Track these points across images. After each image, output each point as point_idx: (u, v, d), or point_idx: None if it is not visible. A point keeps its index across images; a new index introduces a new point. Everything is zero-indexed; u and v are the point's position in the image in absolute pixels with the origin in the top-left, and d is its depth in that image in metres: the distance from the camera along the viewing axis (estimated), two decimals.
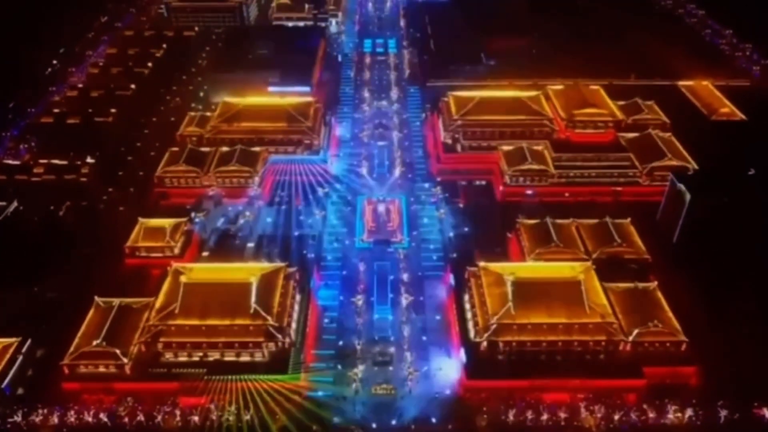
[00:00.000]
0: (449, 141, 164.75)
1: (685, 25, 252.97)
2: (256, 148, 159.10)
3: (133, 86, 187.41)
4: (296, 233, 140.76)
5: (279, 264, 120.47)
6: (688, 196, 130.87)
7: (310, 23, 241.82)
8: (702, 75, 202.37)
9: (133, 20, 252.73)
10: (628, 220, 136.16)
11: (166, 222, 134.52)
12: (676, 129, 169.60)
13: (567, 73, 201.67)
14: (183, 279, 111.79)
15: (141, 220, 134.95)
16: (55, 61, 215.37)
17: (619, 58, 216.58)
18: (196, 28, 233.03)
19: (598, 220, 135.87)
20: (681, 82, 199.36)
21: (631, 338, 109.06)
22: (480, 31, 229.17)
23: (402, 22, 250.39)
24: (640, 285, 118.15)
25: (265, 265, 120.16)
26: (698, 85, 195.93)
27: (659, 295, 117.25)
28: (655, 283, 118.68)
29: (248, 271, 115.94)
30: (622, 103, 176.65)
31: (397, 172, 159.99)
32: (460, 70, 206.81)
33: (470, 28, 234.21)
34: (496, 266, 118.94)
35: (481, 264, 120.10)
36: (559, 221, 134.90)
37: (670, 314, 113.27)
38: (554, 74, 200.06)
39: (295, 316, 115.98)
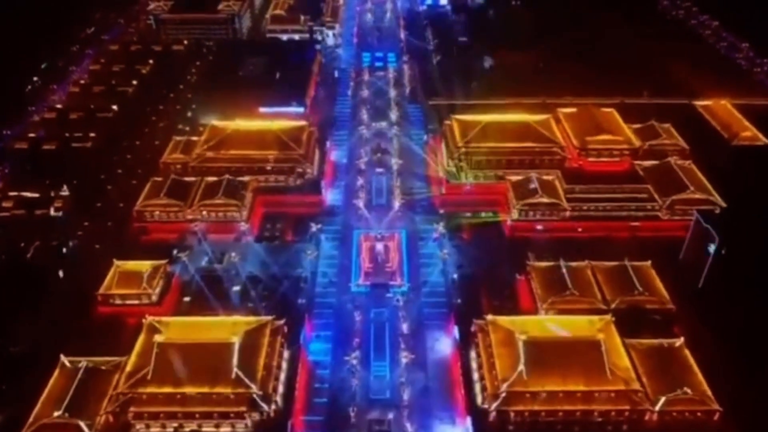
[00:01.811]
0: (453, 169, 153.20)
1: (698, 38, 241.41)
2: (245, 178, 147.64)
3: (115, 107, 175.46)
4: (286, 275, 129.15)
5: (265, 318, 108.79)
6: (716, 239, 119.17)
7: (305, 35, 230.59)
8: (719, 92, 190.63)
9: (120, 32, 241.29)
10: (649, 263, 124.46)
11: (144, 265, 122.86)
12: (695, 155, 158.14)
13: (575, 89, 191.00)
14: (157, 338, 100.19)
15: (116, 262, 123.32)
16: (36, 78, 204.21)
17: (630, 73, 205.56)
18: (186, 42, 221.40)
19: (616, 262, 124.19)
20: (697, 102, 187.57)
21: (657, 407, 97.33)
22: (484, 44, 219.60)
23: (402, 34, 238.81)
24: (666, 342, 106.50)
25: (249, 319, 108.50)
26: (716, 105, 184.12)
27: (686, 353, 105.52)
28: (682, 339, 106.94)
29: (230, 327, 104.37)
30: (636, 126, 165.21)
31: (396, 204, 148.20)
32: (464, 86, 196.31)
33: (474, 41, 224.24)
34: (505, 320, 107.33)
35: (489, 317, 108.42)
36: (573, 264, 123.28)
37: (700, 377, 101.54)
38: (562, 91, 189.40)
39: (282, 377, 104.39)
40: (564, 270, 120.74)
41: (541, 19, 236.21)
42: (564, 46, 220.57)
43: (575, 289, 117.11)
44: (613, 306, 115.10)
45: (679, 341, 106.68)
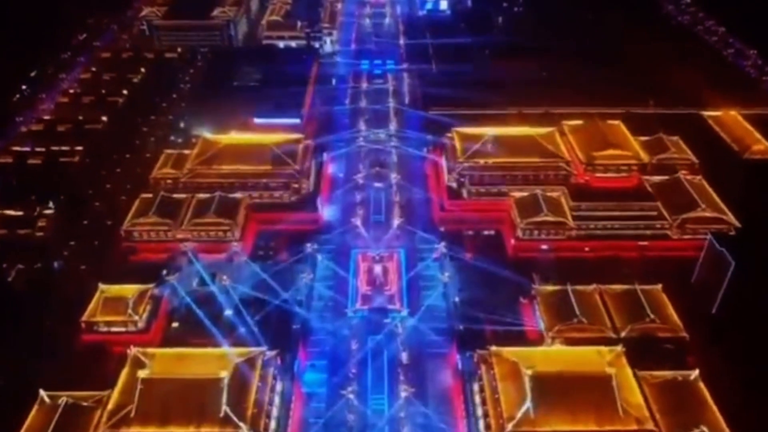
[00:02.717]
0: (454, 185, 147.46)
1: (704, 44, 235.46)
2: (238, 194, 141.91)
3: (104, 118, 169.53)
4: (280, 299, 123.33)
5: (256, 349, 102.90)
6: (731, 263, 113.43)
7: (302, 42, 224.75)
8: (728, 102, 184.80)
9: (113, 38, 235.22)
10: (660, 286, 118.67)
11: (130, 290, 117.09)
12: (705, 170, 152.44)
13: (580, 98, 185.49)
14: (141, 374, 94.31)
15: (101, 287, 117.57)
16: (25, 86, 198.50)
17: (635, 81, 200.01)
18: (179, 49, 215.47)
19: (626, 286, 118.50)
20: (706, 112, 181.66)
21: None
22: (485, 50, 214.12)
23: (402, 41, 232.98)
24: (680, 375, 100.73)
25: (240, 351, 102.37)
26: (726, 116, 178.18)
27: (702, 386, 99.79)
28: (697, 371, 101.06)
29: (220, 360, 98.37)
30: (644, 139, 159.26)
31: (395, 222, 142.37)
32: (464, 95, 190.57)
33: (474, 47, 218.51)
34: (510, 352, 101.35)
35: (493, 349, 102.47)
36: (580, 288, 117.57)
37: (717, 414, 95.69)
38: (566, 100, 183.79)
39: (275, 412, 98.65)
40: (571, 295, 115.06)
41: (544, 26, 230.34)
42: (567, 53, 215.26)
43: (583, 315, 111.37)
44: (623, 334, 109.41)
45: (694, 373, 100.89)
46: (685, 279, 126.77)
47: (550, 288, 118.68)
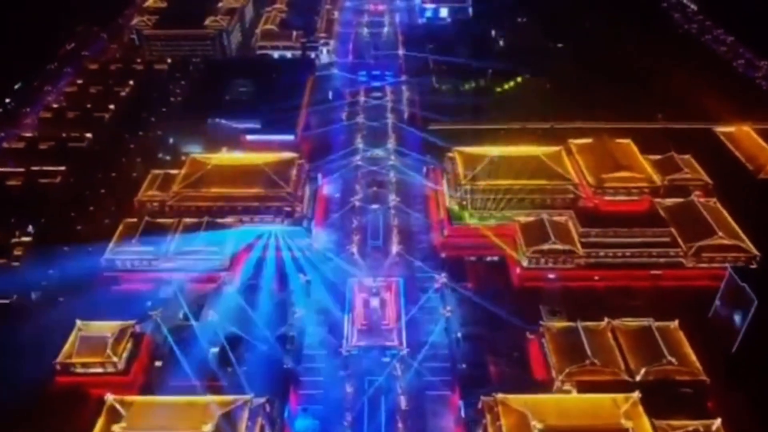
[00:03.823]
0: (456, 208, 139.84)
1: (713, 54, 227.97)
2: (228, 219, 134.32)
3: (89, 135, 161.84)
4: (270, 333, 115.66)
5: (243, 397, 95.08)
6: (754, 301, 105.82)
7: (298, 52, 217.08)
8: (740, 117, 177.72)
9: (102, 48, 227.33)
10: (676, 323, 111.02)
11: (109, 327, 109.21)
12: (719, 191, 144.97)
13: (585, 112, 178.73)
14: (116, 429, 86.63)
15: (78, 324, 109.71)
16: (8, 99, 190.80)
17: (642, 93, 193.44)
18: (169, 60, 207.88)
19: (639, 321, 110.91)
20: (718, 128, 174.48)
21: None
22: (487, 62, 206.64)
23: (401, 51, 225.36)
24: (701, 425, 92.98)
25: (225, 399, 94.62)
26: (739, 132, 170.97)
27: None
28: (719, 421, 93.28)
29: (203, 411, 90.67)
30: (655, 158, 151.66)
31: (394, 248, 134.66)
32: (465, 110, 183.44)
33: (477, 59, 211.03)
34: (518, 400, 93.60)
35: (499, 396, 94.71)
36: (591, 325, 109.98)
37: None
38: (571, 114, 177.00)
39: None
40: (581, 332, 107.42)
41: (549, 36, 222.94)
42: (573, 64, 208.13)
43: (595, 356, 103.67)
44: (638, 377, 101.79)
45: (716, 423, 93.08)
46: (702, 312, 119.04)
47: (558, 324, 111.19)
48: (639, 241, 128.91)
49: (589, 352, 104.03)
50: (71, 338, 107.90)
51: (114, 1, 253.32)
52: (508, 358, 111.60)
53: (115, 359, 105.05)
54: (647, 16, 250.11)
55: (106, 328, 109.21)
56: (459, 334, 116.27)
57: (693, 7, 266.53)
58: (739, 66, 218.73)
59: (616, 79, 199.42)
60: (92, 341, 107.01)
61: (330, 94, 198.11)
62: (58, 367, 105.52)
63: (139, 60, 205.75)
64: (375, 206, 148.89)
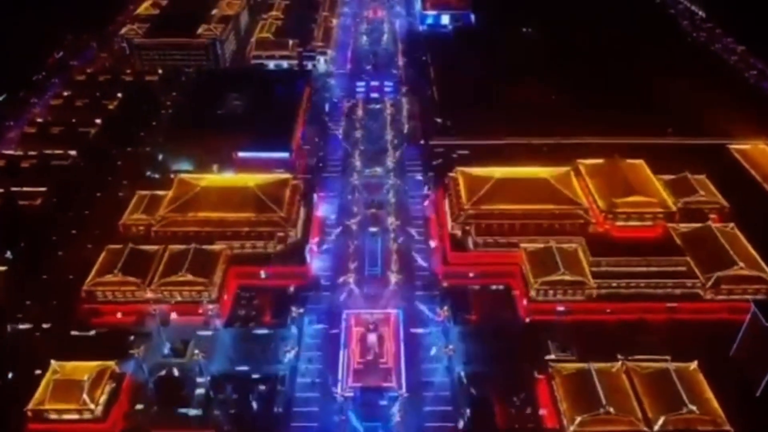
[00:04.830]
0: (458, 234, 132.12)
1: (723, 64, 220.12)
2: (217, 245, 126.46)
3: (73, 152, 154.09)
4: (260, 373, 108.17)
5: None
6: None
7: (294, 62, 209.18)
8: (754, 132, 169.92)
9: (91, 57, 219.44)
10: (695, 364, 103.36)
11: (87, 369, 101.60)
12: (736, 214, 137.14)
13: (592, 126, 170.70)
14: None
15: (54, 364, 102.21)
16: None
17: (650, 105, 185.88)
18: (160, 71, 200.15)
19: (656, 365, 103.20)
20: (732, 145, 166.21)
21: None
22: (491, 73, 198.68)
23: (401, 60, 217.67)
24: None
25: None
26: (754, 150, 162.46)
27: None
28: None
29: None
30: (668, 178, 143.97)
31: (392, 277, 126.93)
32: (468, 123, 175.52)
33: (479, 69, 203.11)
34: None
35: None
36: (604, 367, 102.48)
37: None
38: (578, 129, 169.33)
39: None
40: (594, 377, 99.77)
41: (554, 47, 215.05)
42: (579, 76, 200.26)
43: (609, 403, 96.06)
44: (657, 428, 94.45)
45: None
46: (723, 350, 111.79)
47: (569, 366, 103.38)
48: (653, 270, 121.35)
49: (603, 398, 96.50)
50: (45, 381, 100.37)
51: (105, 8, 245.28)
52: (515, 399, 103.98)
53: (91, 406, 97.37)
54: (654, 24, 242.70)
55: (82, 369, 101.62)
56: (462, 373, 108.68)
57: (701, 13, 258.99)
58: (752, 77, 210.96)
59: (624, 91, 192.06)
60: (67, 385, 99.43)
61: (327, 107, 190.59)
62: (29, 414, 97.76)
63: (128, 71, 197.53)
64: (373, 229, 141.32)
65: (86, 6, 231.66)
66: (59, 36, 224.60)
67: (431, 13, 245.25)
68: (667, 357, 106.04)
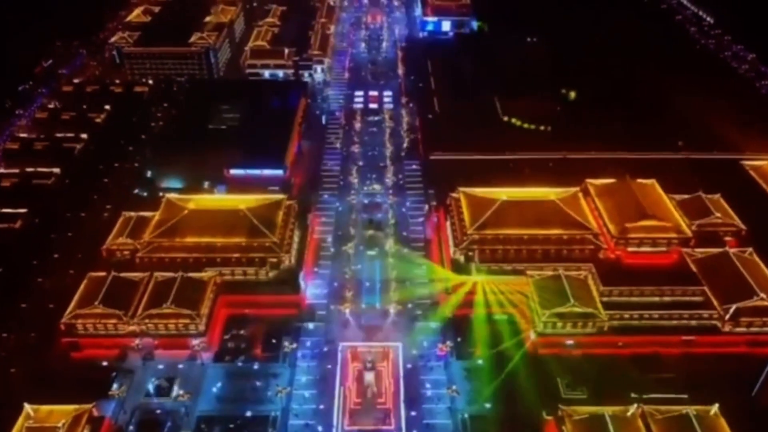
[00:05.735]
0: (461, 259, 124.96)
1: (734, 73, 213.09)
2: (205, 273, 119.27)
3: (57, 170, 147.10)
4: (249, 415, 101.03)
5: None
6: None
7: (290, 71, 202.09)
8: (766, 146, 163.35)
9: (81, 66, 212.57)
10: (716, 408, 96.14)
11: (62, 413, 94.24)
12: (754, 238, 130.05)
13: (599, 140, 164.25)
14: None
15: (27, 408, 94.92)
16: None
17: (659, 117, 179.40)
18: (150, 82, 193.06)
19: (675, 408, 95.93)
20: (746, 161, 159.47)
21: None
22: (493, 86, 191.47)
23: (400, 69, 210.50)
24: None
25: None
26: None
27: None
28: None
29: None
30: (681, 198, 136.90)
31: (391, 308, 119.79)
32: (470, 136, 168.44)
33: (480, 80, 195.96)
34: None
35: None
36: (619, 411, 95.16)
37: None
38: (584, 143, 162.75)
39: None
40: (609, 423, 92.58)
41: (560, 57, 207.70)
42: (585, 87, 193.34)
43: None
44: None
45: None
46: (743, 387, 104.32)
47: (581, 410, 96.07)
48: (668, 301, 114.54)
49: None
50: (17, 427, 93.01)
51: (96, 13, 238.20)
52: None
53: None
54: (662, 31, 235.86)
55: (58, 413, 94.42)
56: (466, 415, 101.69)
57: (709, 19, 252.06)
58: (763, 87, 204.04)
59: (631, 101, 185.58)
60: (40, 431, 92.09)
61: (323, 120, 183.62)
62: None
63: (117, 81, 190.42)
64: (371, 252, 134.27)
65: (77, 11, 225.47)
66: (48, 42, 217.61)
67: (432, 19, 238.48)
68: (685, 396, 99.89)
